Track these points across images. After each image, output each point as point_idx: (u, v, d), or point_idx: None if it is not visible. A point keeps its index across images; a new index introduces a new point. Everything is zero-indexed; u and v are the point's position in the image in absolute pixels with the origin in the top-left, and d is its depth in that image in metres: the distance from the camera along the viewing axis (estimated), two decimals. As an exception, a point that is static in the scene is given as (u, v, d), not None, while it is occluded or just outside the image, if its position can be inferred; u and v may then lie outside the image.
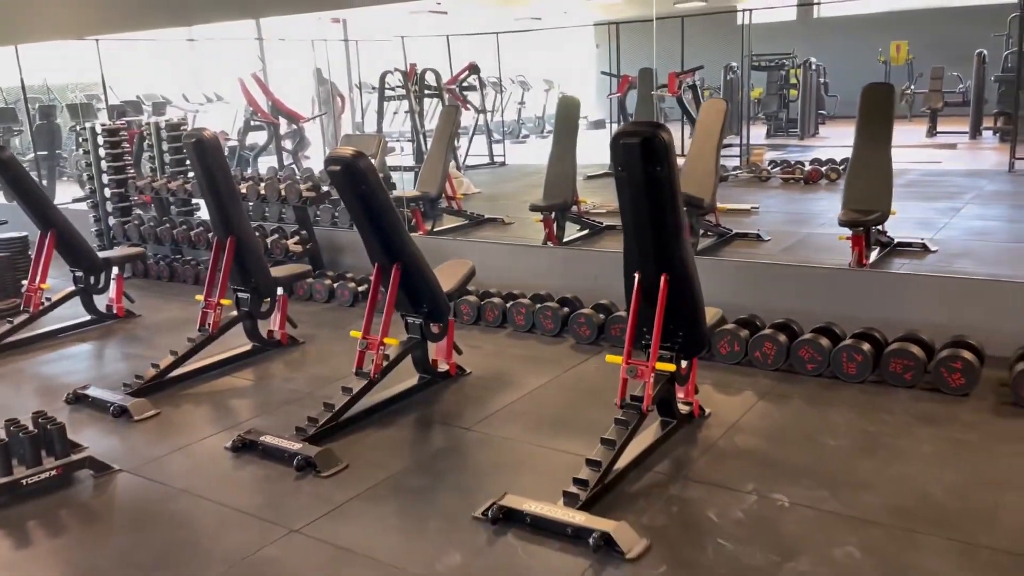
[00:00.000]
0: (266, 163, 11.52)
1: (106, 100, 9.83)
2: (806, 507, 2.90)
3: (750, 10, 11.71)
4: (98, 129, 7.16)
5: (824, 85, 15.04)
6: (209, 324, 4.57)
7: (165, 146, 7.48)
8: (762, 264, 5.56)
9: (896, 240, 6.33)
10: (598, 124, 16.65)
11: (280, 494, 3.19)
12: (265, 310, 4.83)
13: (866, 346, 3.99)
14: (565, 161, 7.05)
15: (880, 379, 3.94)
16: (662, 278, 3.24)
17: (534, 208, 6.88)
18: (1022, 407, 3.58)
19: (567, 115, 7.22)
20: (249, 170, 10.55)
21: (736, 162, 11.29)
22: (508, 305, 5.12)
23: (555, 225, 6.86)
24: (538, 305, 5.02)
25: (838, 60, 15.79)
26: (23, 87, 11.71)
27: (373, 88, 13.14)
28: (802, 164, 10.20)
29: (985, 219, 7.42)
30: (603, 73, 11.31)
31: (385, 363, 3.91)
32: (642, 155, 3.03)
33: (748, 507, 2.92)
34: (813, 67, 13.98)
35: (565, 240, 7.01)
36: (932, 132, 13.54)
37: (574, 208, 7.14)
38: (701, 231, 6.83)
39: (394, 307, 3.99)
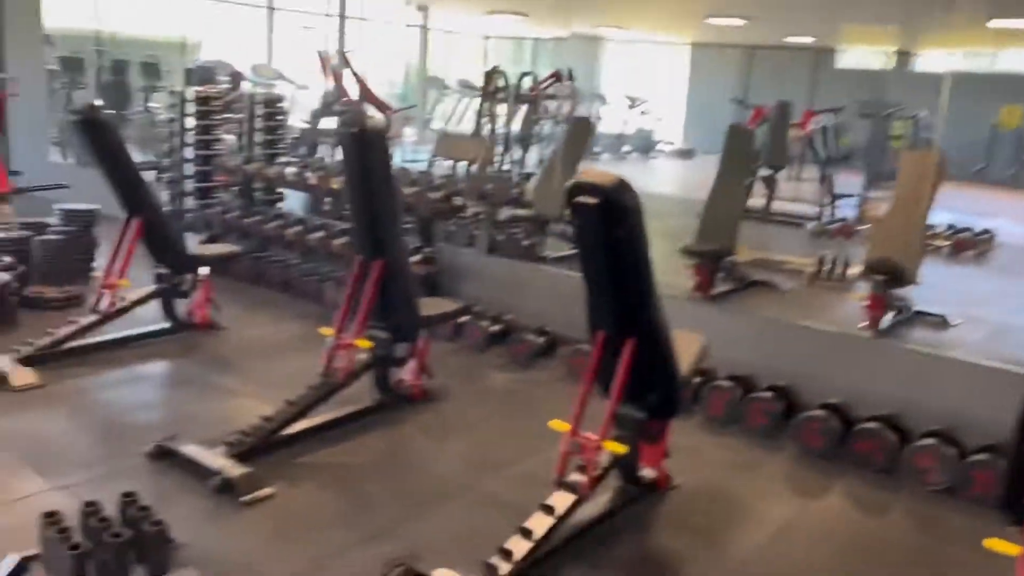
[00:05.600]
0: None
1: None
2: None
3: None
4: (190, 95, 6.18)
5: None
6: (337, 370, 3.53)
7: (259, 123, 6.49)
8: None
9: None
10: (684, 153, 15.57)
11: None
12: (402, 355, 3.80)
13: None
14: (730, 201, 5.97)
15: None
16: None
17: (688, 251, 5.77)
18: None
19: (740, 147, 6.11)
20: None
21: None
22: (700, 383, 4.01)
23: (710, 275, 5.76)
24: (745, 393, 3.91)
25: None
26: (97, 36, 10.78)
27: (465, 85, 12.13)
28: None
29: None
30: (733, 100, 10.18)
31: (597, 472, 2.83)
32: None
33: None
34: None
35: (712, 295, 5.89)
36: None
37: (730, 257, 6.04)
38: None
39: (621, 396, 2.89)
